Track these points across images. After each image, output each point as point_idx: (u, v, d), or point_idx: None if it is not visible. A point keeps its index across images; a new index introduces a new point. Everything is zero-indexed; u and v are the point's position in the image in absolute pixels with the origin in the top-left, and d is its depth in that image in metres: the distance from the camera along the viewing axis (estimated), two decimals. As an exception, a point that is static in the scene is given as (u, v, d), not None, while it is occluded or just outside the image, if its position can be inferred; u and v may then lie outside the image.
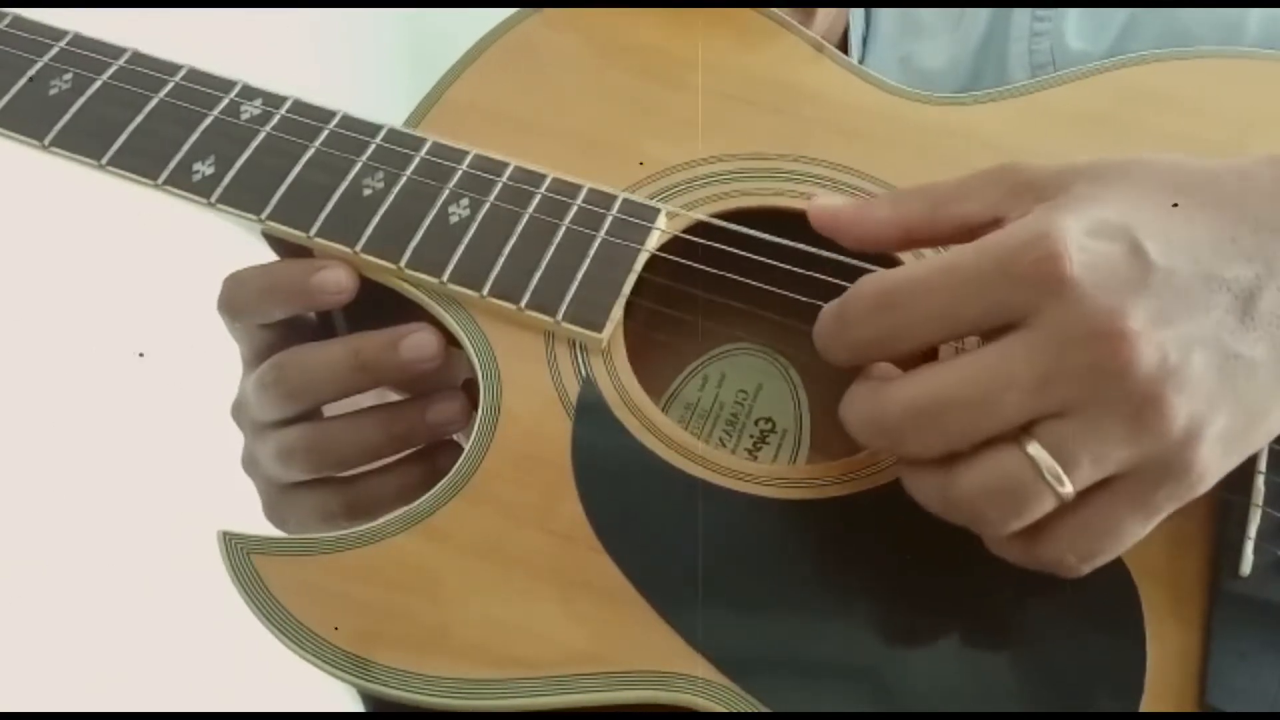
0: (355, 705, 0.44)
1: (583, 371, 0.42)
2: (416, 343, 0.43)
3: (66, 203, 0.78)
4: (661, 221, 0.45)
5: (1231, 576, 0.39)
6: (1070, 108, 0.47)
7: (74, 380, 0.90)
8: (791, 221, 0.45)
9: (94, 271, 0.92)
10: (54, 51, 0.46)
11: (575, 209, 0.44)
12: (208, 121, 0.45)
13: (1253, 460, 0.40)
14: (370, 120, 0.46)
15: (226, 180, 0.44)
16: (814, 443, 0.47)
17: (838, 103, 0.48)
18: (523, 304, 0.43)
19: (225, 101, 0.46)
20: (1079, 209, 0.34)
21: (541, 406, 0.41)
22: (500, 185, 0.45)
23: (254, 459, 0.46)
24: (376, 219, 0.44)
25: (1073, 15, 0.57)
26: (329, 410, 0.46)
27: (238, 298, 0.45)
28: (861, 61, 0.60)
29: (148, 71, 0.46)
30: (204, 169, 0.44)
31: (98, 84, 0.46)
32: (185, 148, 0.45)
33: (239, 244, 0.48)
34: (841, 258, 0.42)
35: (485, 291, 0.43)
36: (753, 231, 0.44)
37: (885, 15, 0.62)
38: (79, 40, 0.47)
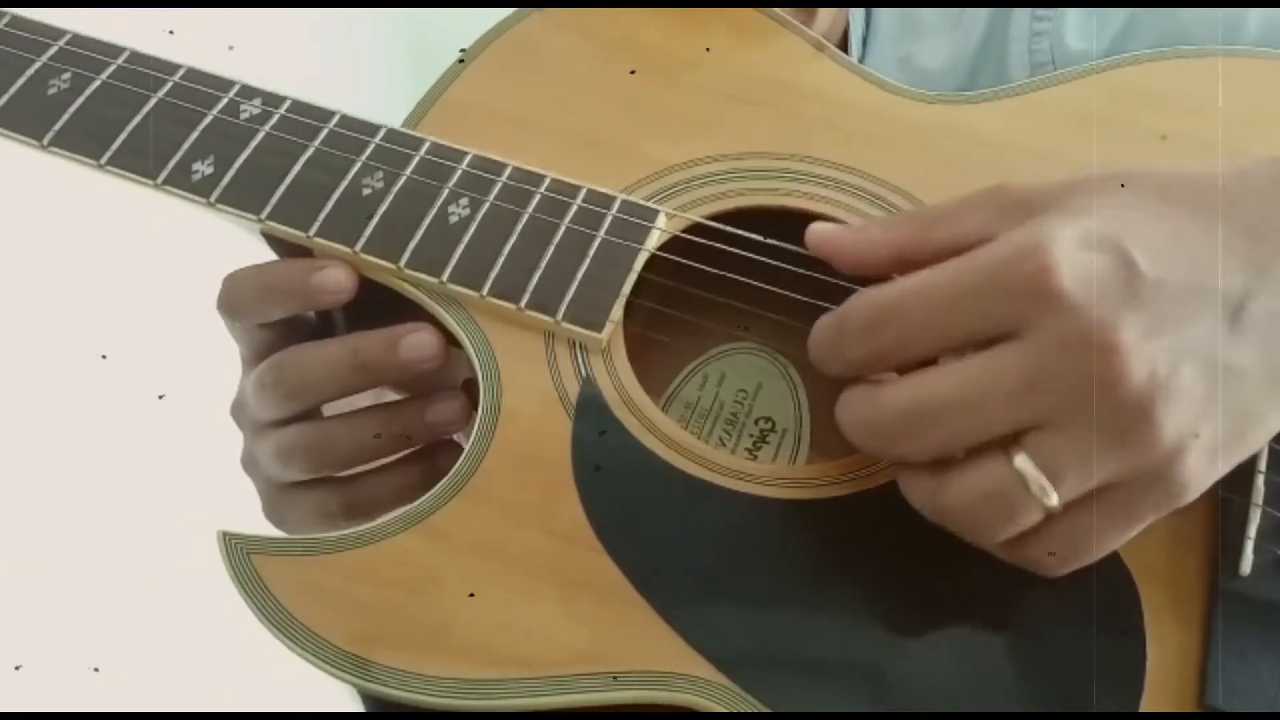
0: (355, 705, 0.44)
1: (583, 371, 0.42)
2: (416, 342, 0.43)
3: (65, 203, 0.78)
4: (661, 221, 0.45)
5: (1231, 576, 0.39)
6: (1069, 107, 0.47)
7: (74, 380, 0.90)
8: (792, 221, 0.45)
9: (94, 271, 0.92)
10: (52, 51, 0.46)
11: (575, 209, 0.44)
12: (207, 121, 0.45)
13: (1253, 460, 0.40)
14: (369, 120, 0.46)
15: (226, 180, 0.44)
16: (814, 442, 0.47)
17: (838, 102, 0.48)
18: (522, 304, 0.43)
19: (224, 101, 0.46)
20: (1070, 221, 0.34)
21: (541, 406, 0.41)
22: (500, 185, 0.45)
23: (253, 459, 0.46)
24: (376, 219, 0.44)
25: (1072, 15, 0.57)
26: (328, 410, 0.46)
27: (237, 297, 0.45)
28: (861, 61, 0.60)
29: (146, 71, 0.46)
30: (203, 168, 0.44)
31: (96, 83, 0.46)
32: (184, 147, 0.45)
33: (238, 244, 0.48)
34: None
35: (485, 291, 0.43)
36: (753, 235, 0.44)
37: (885, 15, 0.62)
38: (78, 40, 0.47)
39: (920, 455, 0.36)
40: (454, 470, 0.40)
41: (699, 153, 0.47)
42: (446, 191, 0.44)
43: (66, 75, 0.46)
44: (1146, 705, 0.37)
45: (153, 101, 0.45)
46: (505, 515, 0.40)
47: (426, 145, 0.45)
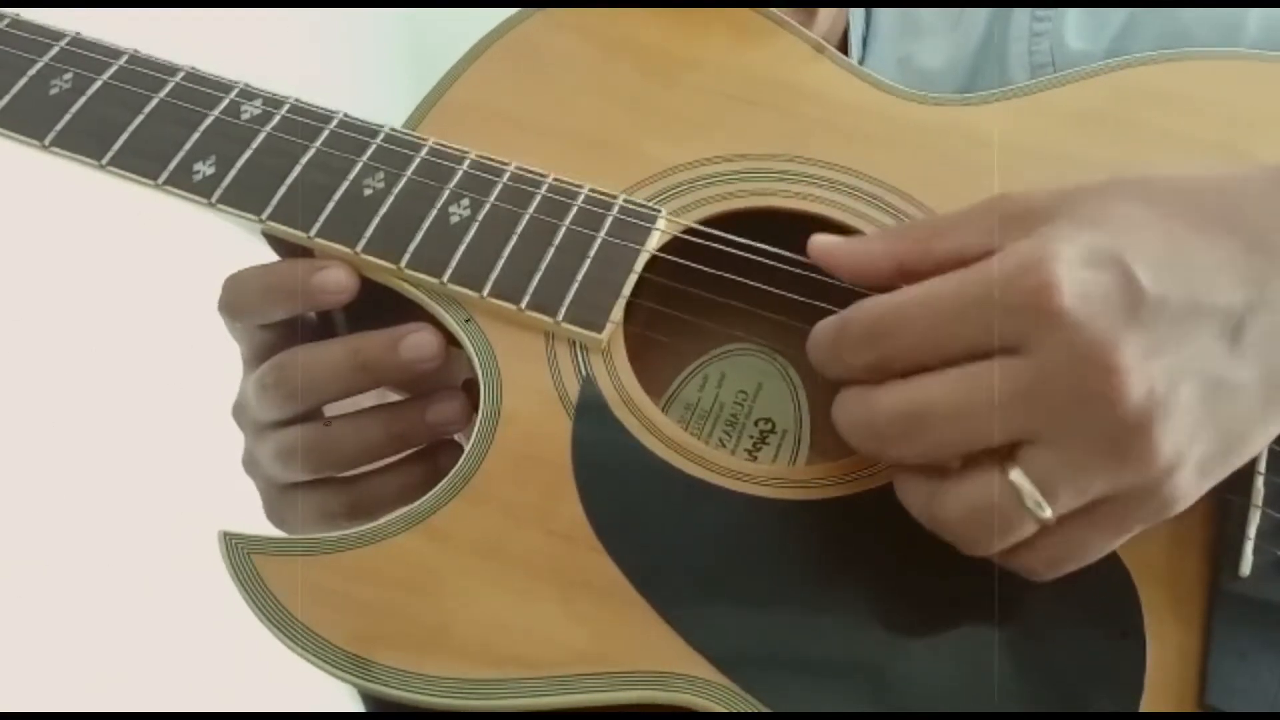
0: (355, 705, 0.44)
1: (583, 371, 0.42)
2: (416, 343, 0.43)
3: (67, 203, 0.78)
4: (661, 222, 0.45)
5: (1231, 576, 0.39)
6: (1070, 108, 0.47)
7: (74, 380, 0.90)
8: (792, 222, 0.45)
9: (94, 272, 0.92)
10: (54, 52, 0.46)
11: (575, 209, 0.44)
12: (208, 122, 0.45)
13: (1253, 461, 0.40)
14: (370, 121, 0.46)
15: (227, 180, 0.44)
16: (814, 443, 0.47)
17: (838, 103, 0.48)
18: (523, 304, 0.43)
19: (225, 102, 0.46)
20: (1072, 236, 0.34)
21: (542, 407, 0.41)
22: (500, 186, 0.45)
23: (254, 459, 0.46)
24: (377, 219, 0.44)
25: (1072, 15, 0.57)
26: (329, 410, 0.46)
27: (238, 298, 0.45)
28: (861, 62, 0.60)
29: (148, 72, 0.46)
30: (204, 169, 0.44)
31: (98, 84, 0.46)
32: (186, 148, 0.45)
33: (239, 244, 0.48)
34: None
35: (485, 292, 0.43)
36: (752, 243, 0.44)
37: (885, 15, 0.62)
38: (79, 41, 0.47)
39: (914, 459, 0.36)
40: (454, 470, 0.40)
41: (699, 153, 0.47)
42: (447, 192, 0.45)
43: (68, 76, 0.46)
44: (1146, 705, 0.37)
45: (154, 102, 0.45)
46: (505, 515, 0.40)
47: (427, 146, 0.45)
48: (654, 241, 0.44)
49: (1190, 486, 0.34)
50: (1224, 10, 0.53)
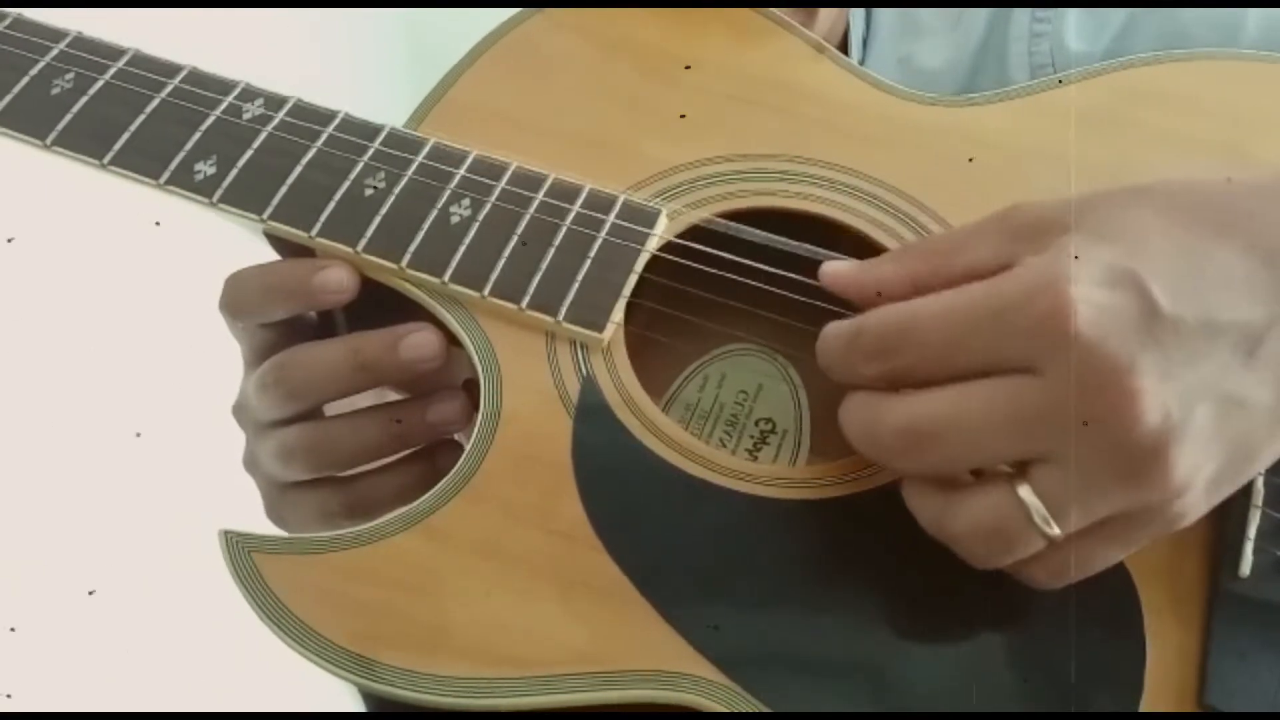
0: (356, 705, 0.44)
1: (583, 371, 0.42)
2: (417, 342, 0.43)
3: (68, 203, 0.78)
4: (662, 222, 0.45)
5: (1231, 577, 0.39)
6: (1070, 108, 0.47)
7: (75, 379, 0.90)
8: (792, 222, 0.45)
9: (96, 271, 0.92)
10: (56, 52, 0.46)
11: (576, 210, 0.44)
12: (209, 122, 0.45)
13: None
14: (371, 121, 0.46)
15: (228, 180, 0.44)
16: (814, 444, 0.47)
17: (837, 103, 0.48)
18: (524, 304, 0.43)
19: (227, 102, 0.46)
20: (1087, 253, 0.33)
21: (542, 406, 0.41)
22: (501, 186, 0.45)
23: (255, 459, 0.46)
24: (378, 219, 0.44)
25: (1072, 16, 0.57)
26: (330, 410, 0.46)
27: (239, 297, 0.45)
28: (861, 62, 0.60)
29: (149, 72, 0.46)
30: (206, 169, 0.45)
31: (99, 84, 0.46)
32: (187, 147, 0.45)
33: (241, 244, 0.48)
34: (841, 258, 0.42)
35: (486, 292, 0.43)
36: (754, 231, 0.44)
37: (885, 15, 0.62)
38: (81, 41, 0.47)
39: (920, 473, 0.36)
40: (454, 470, 0.40)
41: (699, 154, 0.47)
42: (448, 192, 0.45)
43: (70, 76, 0.46)
44: (1146, 705, 0.37)
45: (155, 102, 0.46)
46: (506, 515, 0.40)
47: (428, 146, 0.45)
48: (654, 241, 0.44)
49: (1199, 503, 0.34)
50: (1224, 10, 0.53)
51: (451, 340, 0.44)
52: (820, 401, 0.48)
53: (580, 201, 0.45)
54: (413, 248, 0.43)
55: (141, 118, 0.45)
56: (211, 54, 0.48)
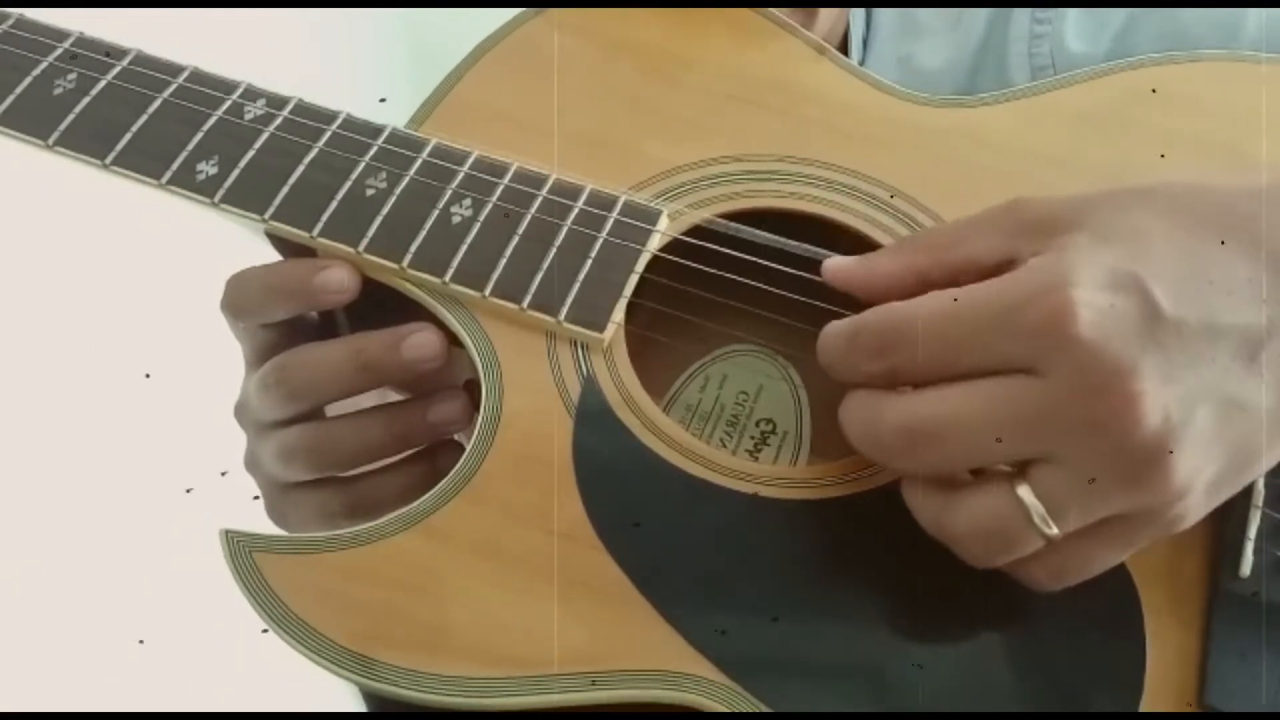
0: (356, 705, 0.44)
1: (584, 371, 0.42)
2: (418, 342, 0.43)
3: (70, 203, 0.78)
4: (663, 223, 0.45)
5: (1231, 577, 0.39)
6: (1071, 109, 0.47)
7: (76, 379, 0.90)
8: (793, 222, 0.45)
9: (97, 271, 0.92)
10: (58, 52, 0.46)
11: (577, 210, 0.45)
12: (211, 122, 0.45)
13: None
14: (373, 121, 0.46)
15: (230, 180, 0.44)
16: (814, 444, 0.47)
17: (838, 103, 0.48)
18: (525, 304, 0.43)
19: (229, 102, 0.46)
20: (1090, 254, 0.33)
21: (543, 406, 0.41)
22: (503, 186, 0.45)
23: (256, 459, 0.46)
24: (379, 219, 0.44)
25: (1072, 16, 0.57)
26: (331, 410, 0.46)
27: (241, 298, 0.45)
28: (861, 62, 0.60)
29: (151, 72, 0.46)
30: (208, 169, 0.45)
31: (102, 84, 0.46)
32: (189, 148, 0.45)
33: (242, 244, 0.48)
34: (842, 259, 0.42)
35: (487, 292, 0.43)
36: (755, 231, 0.44)
37: (885, 15, 0.62)
38: (83, 41, 0.47)
39: (919, 473, 0.36)
40: (455, 470, 0.40)
41: (699, 154, 0.47)
42: (449, 192, 0.45)
43: (72, 76, 0.46)
44: (1146, 705, 0.37)
45: (157, 102, 0.46)
46: (506, 515, 0.40)
47: (430, 146, 0.46)
48: (655, 242, 0.44)
49: (1199, 505, 0.34)
50: (1223, 10, 0.53)
51: (453, 340, 0.44)
52: (821, 402, 0.48)
53: (582, 201, 0.45)
54: (414, 248, 0.43)
55: (144, 118, 0.45)
56: (213, 54, 0.48)
